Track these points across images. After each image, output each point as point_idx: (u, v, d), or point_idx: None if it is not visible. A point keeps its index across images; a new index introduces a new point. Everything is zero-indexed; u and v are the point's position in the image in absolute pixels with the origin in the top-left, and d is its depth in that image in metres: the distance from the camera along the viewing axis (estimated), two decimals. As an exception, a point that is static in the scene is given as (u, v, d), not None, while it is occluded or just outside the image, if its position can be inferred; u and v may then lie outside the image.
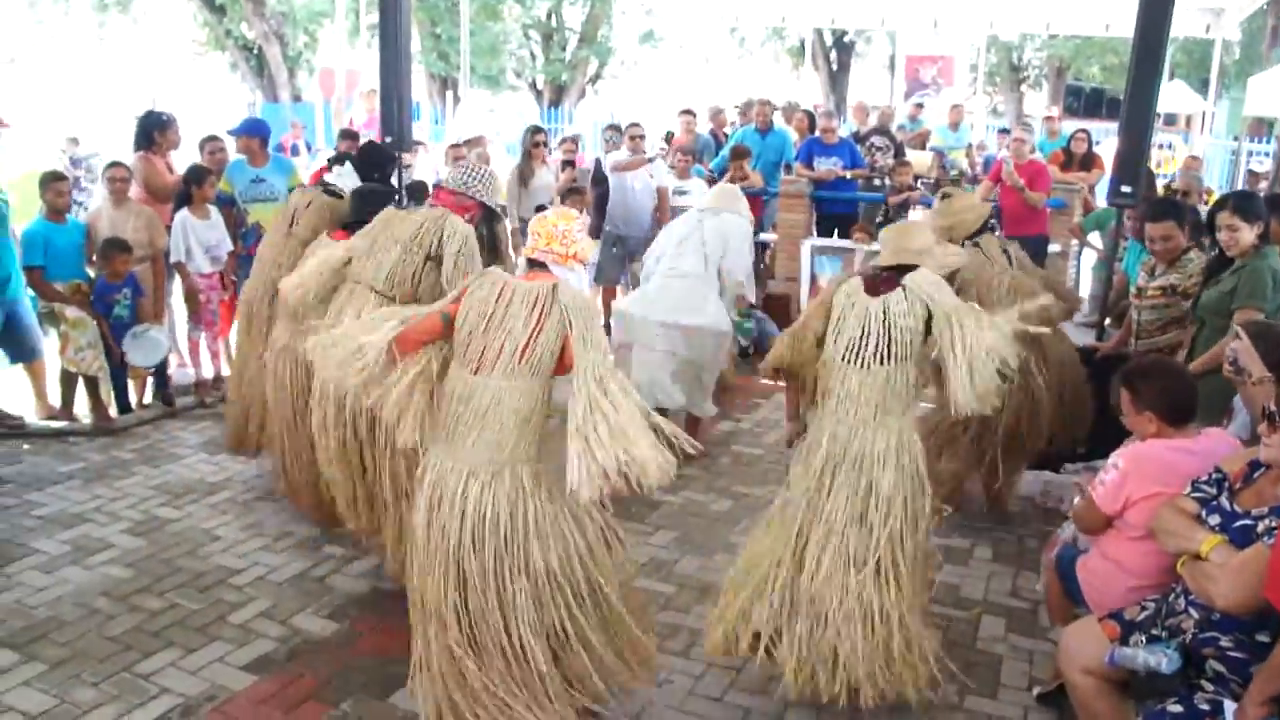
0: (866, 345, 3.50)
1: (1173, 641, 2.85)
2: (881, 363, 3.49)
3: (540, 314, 3.18)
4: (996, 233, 5.51)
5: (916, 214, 8.77)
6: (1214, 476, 3.02)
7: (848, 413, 3.52)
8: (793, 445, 3.89)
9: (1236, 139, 17.33)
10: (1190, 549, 2.87)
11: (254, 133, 7.31)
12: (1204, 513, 2.94)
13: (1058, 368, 5.12)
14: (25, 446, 6.02)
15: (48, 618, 4.14)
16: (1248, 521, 2.81)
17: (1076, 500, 3.54)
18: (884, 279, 3.62)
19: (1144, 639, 2.97)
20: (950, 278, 4.84)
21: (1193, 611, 2.85)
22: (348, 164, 5.59)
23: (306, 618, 4.22)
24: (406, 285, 4.29)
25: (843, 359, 3.55)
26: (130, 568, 4.59)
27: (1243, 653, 2.69)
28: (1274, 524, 2.69)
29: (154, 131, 7.31)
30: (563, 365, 3.21)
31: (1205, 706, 2.68)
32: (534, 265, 3.40)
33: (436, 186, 4.43)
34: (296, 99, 21.84)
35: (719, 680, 3.85)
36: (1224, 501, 2.93)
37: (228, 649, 3.97)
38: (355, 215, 4.87)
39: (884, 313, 3.51)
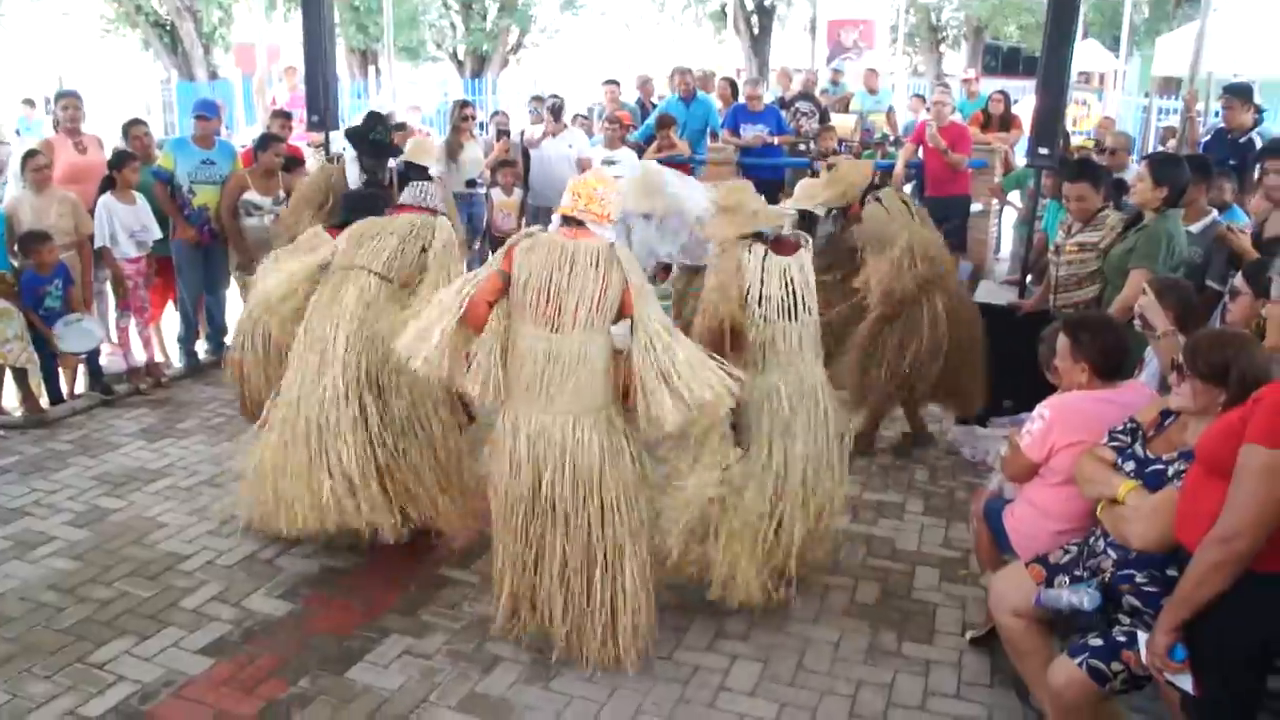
0: (795, 301, 4.01)
1: (1093, 581, 3.04)
2: (810, 313, 4.08)
3: (604, 272, 3.52)
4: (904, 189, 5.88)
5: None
6: (1128, 426, 3.21)
7: (790, 360, 4.01)
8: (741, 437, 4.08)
9: (1147, 95, 17.84)
10: (1108, 494, 3.06)
11: (206, 115, 7.29)
12: (1120, 460, 3.13)
13: (956, 325, 5.59)
14: (-45, 441, 5.92)
15: (-7, 613, 4.13)
16: (1159, 466, 3.00)
17: (1003, 450, 3.72)
18: (783, 242, 4.14)
19: (1067, 580, 3.16)
20: (847, 232, 5.72)
21: (1111, 552, 3.04)
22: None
23: (259, 599, 4.26)
24: (406, 270, 4.43)
25: (778, 316, 3.98)
26: (76, 559, 4.57)
27: (1156, 587, 2.88)
28: (1183, 468, 2.88)
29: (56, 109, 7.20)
30: (620, 315, 3.60)
31: (1122, 638, 2.87)
32: (569, 223, 3.66)
33: (399, 206, 4.69)
34: (213, 76, 21.32)
35: (668, 640, 3.97)
36: (1138, 449, 3.12)
37: (182, 634, 4.00)
38: (344, 217, 4.98)
39: (801, 269, 4.05)
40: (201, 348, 7.51)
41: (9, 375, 6.31)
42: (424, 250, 4.45)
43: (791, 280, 4.01)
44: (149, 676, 3.73)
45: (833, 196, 5.61)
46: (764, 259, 4.01)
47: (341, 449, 4.18)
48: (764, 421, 3.99)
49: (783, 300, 3.98)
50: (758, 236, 4.09)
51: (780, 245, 4.11)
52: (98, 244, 6.64)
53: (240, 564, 4.53)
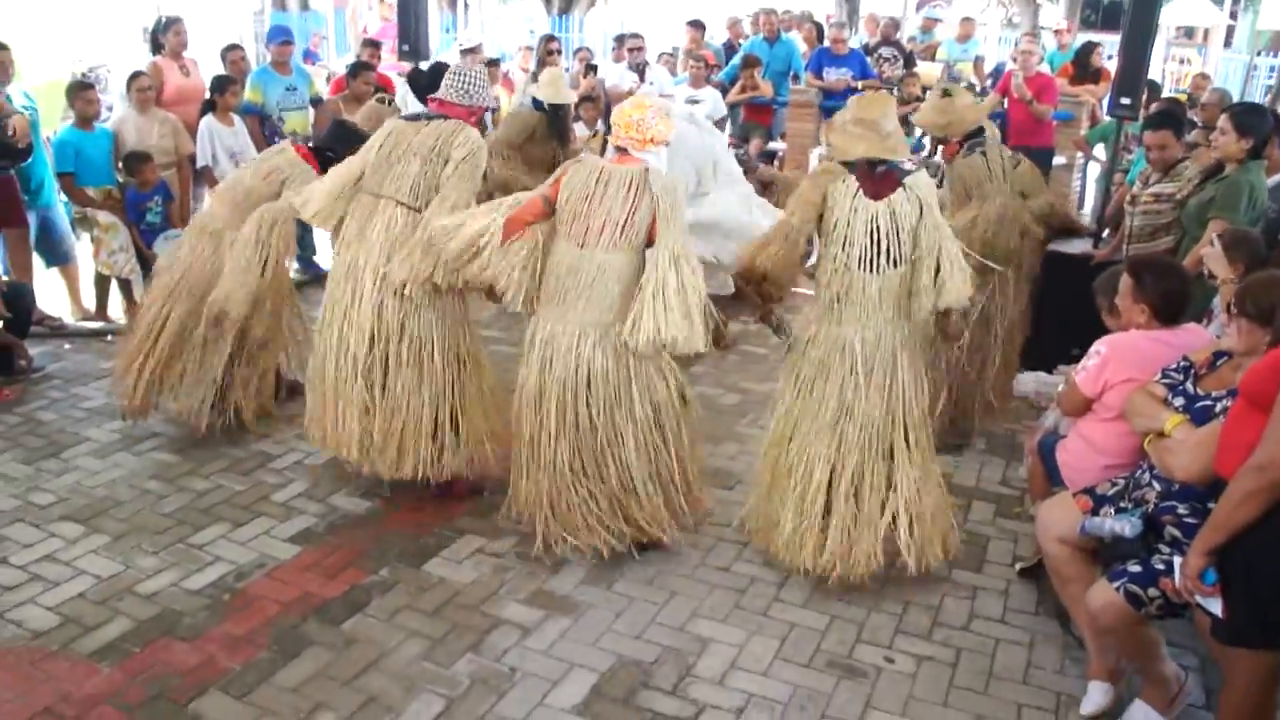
0: (879, 252, 3.69)
1: (1137, 511, 3.15)
2: (895, 266, 3.72)
3: (635, 195, 3.68)
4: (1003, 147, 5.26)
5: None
6: (1182, 365, 3.29)
7: (870, 316, 3.75)
8: (781, 332, 4.17)
9: (1260, 54, 17.14)
10: (1156, 428, 3.16)
11: (289, 40, 7.52)
12: (1170, 396, 3.22)
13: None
14: (66, 346, 6.32)
15: (104, 496, 4.48)
16: (1208, 402, 3.09)
17: (1061, 387, 3.82)
18: (883, 179, 3.75)
19: (1112, 511, 3.28)
20: (940, 179, 5.16)
21: (1155, 484, 3.15)
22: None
23: (341, 497, 4.55)
24: (432, 196, 4.16)
25: (858, 267, 3.71)
26: (177, 454, 4.91)
27: (1196, 519, 2.98)
28: (1230, 404, 2.96)
29: (159, 36, 7.46)
30: (651, 239, 3.73)
31: (1160, 566, 2.99)
32: (620, 151, 3.81)
33: (434, 99, 4.38)
34: (305, 7, 21.63)
35: (727, 552, 4.19)
36: (1189, 386, 3.21)
37: (272, 524, 4.31)
38: (328, 143, 5.07)
39: (891, 217, 3.70)
40: (292, 267, 7.81)
41: (115, 285, 6.70)
42: (446, 163, 4.19)
43: (878, 229, 3.68)
44: (243, 559, 4.04)
45: (935, 124, 5.24)
46: (853, 199, 3.72)
47: (356, 389, 4.23)
48: (834, 376, 3.80)
49: (866, 249, 3.69)
50: (868, 165, 3.77)
51: (878, 182, 3.74)
52: (200, 164, 6.96)
53: (325, 465, 4.82)
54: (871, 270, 3.70)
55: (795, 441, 3.91)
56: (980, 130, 5.21)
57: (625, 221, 3.70)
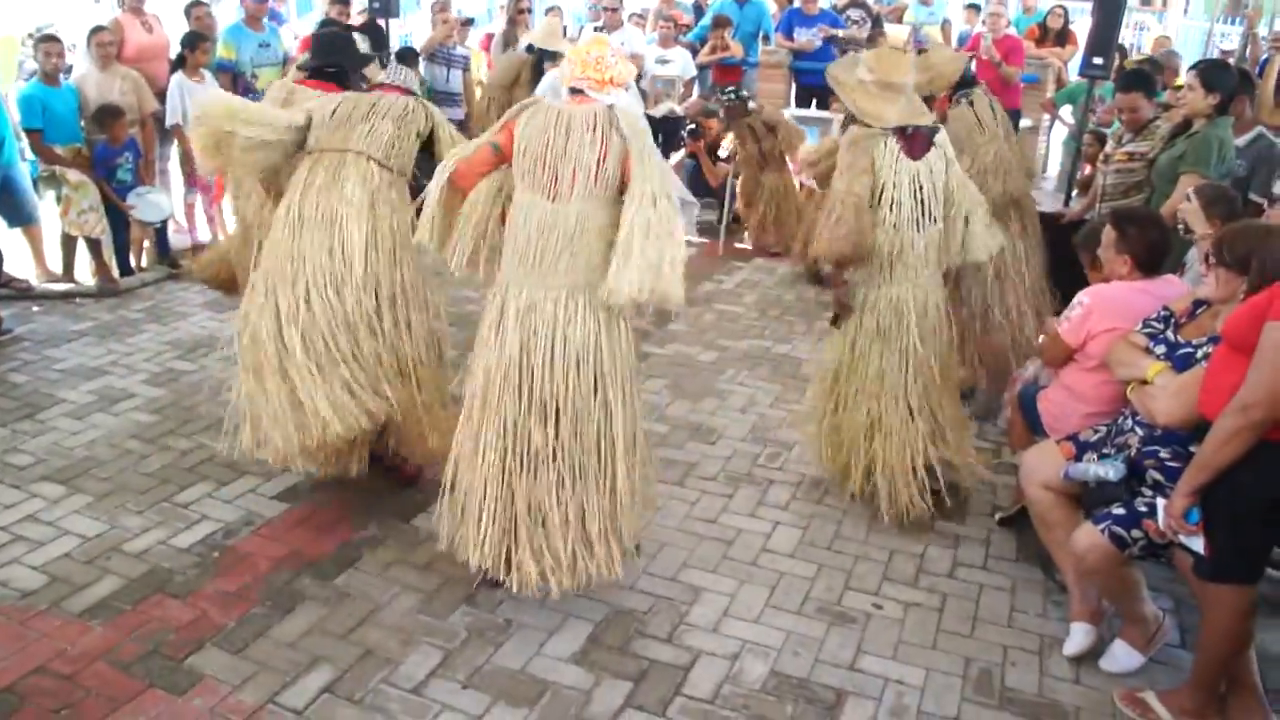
0: (924, 211, 3.82)
1: (1120, 455, 3.24)
2: (935, 223, 3.90)
3: (602, 137, 3.27)
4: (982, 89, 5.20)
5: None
6: (1162, 314, 3.37)
7: (919, 274, 3.91)
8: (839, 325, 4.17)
9: (1215, 21, 17.37)
10: (1138, 376, 3.24)
11: None
12: (1152, 345, 3.30)
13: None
14: (35, 308, 6.22)
15: (85, 457, 4.44)
16: (1189, 350, 3.17)
17: (1042, 338, 3.89)
18: (914, 138, 3.85)
19: (1095, 456, 3.36)
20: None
21: (1138, 430, 3.23)
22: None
23: (328, 456, 4.54)
24: (402, 159, 4.08)
25: (908, 226, 3.84)
26: (155, 414, 4.87)
27: (1178, 462, 3.06)
28: (1210, 350, 3.04)
29: None
30: (624, 183, 3.30)
31: (1143, 508, 3.07)
32: (575, 93, 3.43)
33: (379, 84, 4.30)
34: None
35: (713, 505, 4.24)
36: (1169, 334, 3.29)
37: (257, 482, 4.30)
38: (320, 61, 4.73)
39: (930, 174, 3.84)
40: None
41: (82, 245, 6.59)
42: (417, 136, 4.09)
43: (921, 188, 3.82)
44: (230, 516, 4.04)
45: (917, 83, 4.90)
46: (897, 160, 3.80)
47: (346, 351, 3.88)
48: (894, 335, 3.95)
49: (912, 208, 3.83)
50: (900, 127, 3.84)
51: (912, 142, 3.84)
52: (169, 122, 6.85)
53: (309, 424, 4.80)
54: (918, 229, 3.87)
55: (852, 404, 4.07)
56: (970, 81, 5.18)
57: (597, 167, 3.26)
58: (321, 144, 4.03)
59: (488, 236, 3.46)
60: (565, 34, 8.52)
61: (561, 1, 11.45)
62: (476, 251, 3.44)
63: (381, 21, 7.72)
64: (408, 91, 4.21)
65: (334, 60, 4.68)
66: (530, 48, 6.86)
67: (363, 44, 5.51)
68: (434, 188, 3.45)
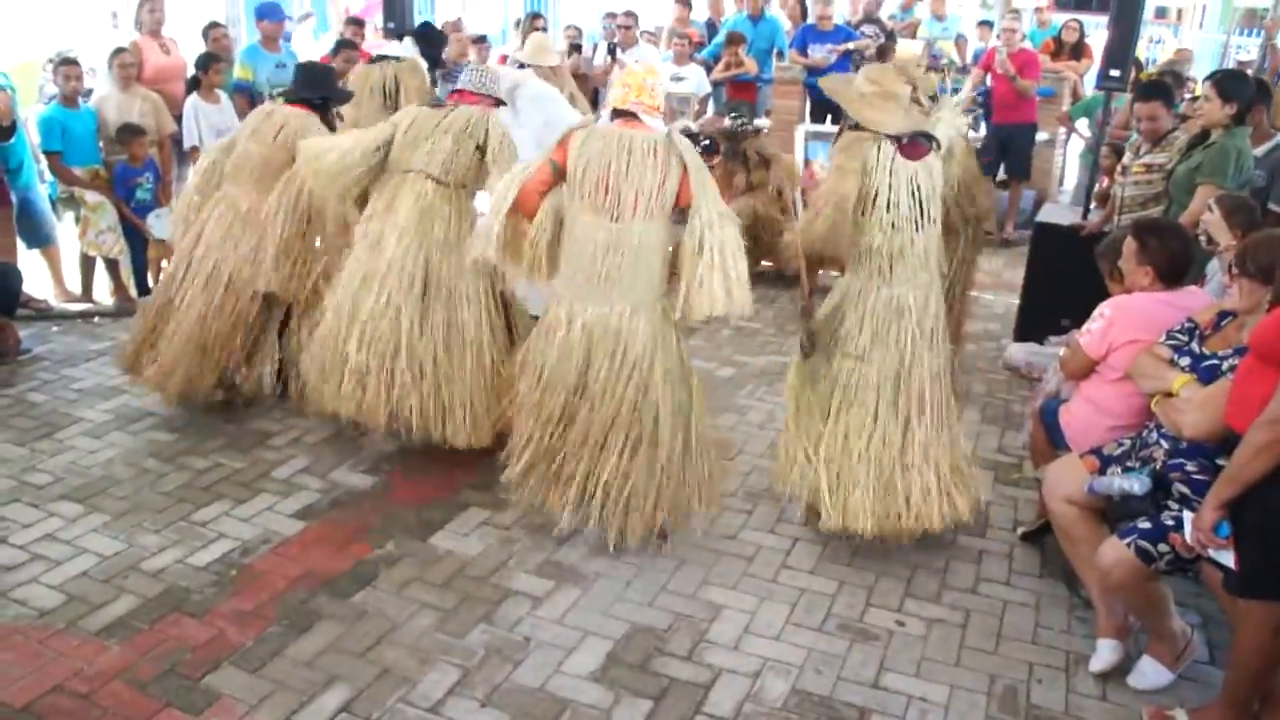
0: (922, 211, 3.82)
1: (1145, 469, 3.19)
2: (934, 223, 3.87)
3: (662, 162, 3.55)
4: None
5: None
6: (1186, 326, 3.33)
7: (918, 274, 3.86)
8: (811, 318, 4.12)
9: (1230, 33, 17.33)
10: (1163, 388, 3.20)
11: (277, 18, 7.44)
12: (1177, 357, 3.26)
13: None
14: (53, 328, 6.25)
15: (102, 476, 4.44)
16: (1214, 361, 3.13)
17: (1064, 351, 3.85)
18: (915, 146, 3.85)
19: (1120, 470, 3.31)
20: None
21: (1163, 442, 3.19)
22: (407, 39, 6.23)
23: (344, 472, 4.53)
24: (460, 171, 4.31)
25: (907, 226, 3.81)
26: (173, 433, 4.87)
27: (1205, 475, 3.02)
28: (1236, 362, 3.00)
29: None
30: (677, 205, 3.62)
31: (1170, 522, 3.03)
32: (620, 115, 3.69)
33: (458, 91, 4.52)
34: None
35: (733, 521, 4.21)
36: (1194, 346, 3.25)
37: (274, 500, 4.29)
38: (307, 91, 5.01)
39: (929, 174, 3.84)
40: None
41: (100, 265, 6.62)
42: (478, 149, 4.31)
43: (919, 187, 3.82)
44: (248, 535, 4.02)
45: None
46: (892, 161, 3.82)
47: (377, 348, 4.25)
48: (893, 337, 3.85)
49: (911, 208, 3.82)
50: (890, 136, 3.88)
51: (909, 148, 3.85)
52: (187, 144, 6.88)
53: (325, 441, 4.80)
54: (918, 228, 3.84)
55: (845, 411, 3.94)
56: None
57: (657, 190, 3.57)
58: (391, 163, 4.35)
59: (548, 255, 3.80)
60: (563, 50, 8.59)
61: (577, 19, 11.53)
62: (540, 268, 3.79)
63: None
64: (489, 97, 4.44)
65: (319, 93, 5.00)
66: (522, 66, 6.87)
67: (413, 49, 5.78)
68: (497, 208, 3.71)
